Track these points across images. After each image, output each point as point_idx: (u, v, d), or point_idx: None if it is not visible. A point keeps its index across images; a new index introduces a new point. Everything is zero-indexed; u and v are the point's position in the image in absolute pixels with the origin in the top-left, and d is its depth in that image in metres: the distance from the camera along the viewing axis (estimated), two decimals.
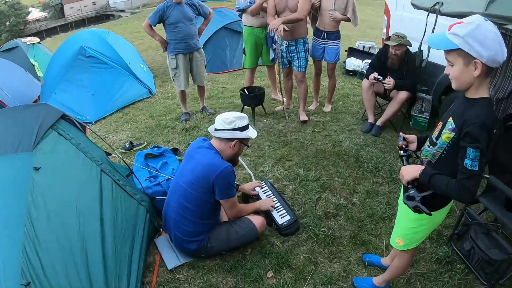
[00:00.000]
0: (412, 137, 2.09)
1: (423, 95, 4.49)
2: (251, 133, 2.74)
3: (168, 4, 4.56)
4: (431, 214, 1.82)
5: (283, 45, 4.55)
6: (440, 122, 1.80)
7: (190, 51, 4.81)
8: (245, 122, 2.69)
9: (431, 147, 1.83)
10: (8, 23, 33.78)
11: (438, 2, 2.86)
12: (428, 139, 1.90)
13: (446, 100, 4.23)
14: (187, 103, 5.42)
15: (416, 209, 1.85)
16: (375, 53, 7.13)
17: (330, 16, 4.53)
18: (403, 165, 1.96)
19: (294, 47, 4.52)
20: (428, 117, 4.52)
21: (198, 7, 4.77)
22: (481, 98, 1.61)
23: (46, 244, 2.10)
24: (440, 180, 1.69)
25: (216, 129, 2.67)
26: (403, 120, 4.71)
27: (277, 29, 4.11)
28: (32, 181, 2.29)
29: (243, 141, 2.74)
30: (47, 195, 2.31)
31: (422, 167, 1.80)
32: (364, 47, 7.44)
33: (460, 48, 1.53)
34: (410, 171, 1.83)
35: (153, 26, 4.67)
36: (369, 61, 6.48)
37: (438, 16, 2.89)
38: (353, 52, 7.23)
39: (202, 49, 5.03)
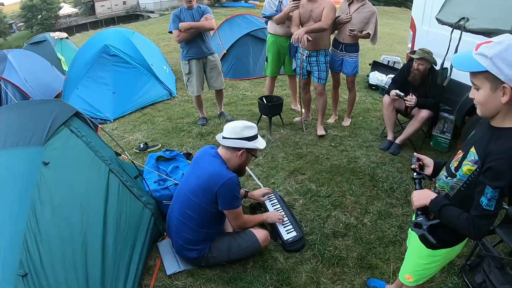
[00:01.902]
0: (428, 160, 1.93)
1: (446, 114, 4.34)
2: (259, 143, 2.68)
3: (181, 9, 4.65)
4: (438, 245, 1.70)
5: (303, 55, 4.49)
6: (460, 151, 1.65)
7: (203, 56, 4.81)
8: (253, 132, 2.64)
9: (449, 178, 1.68)
10: (39, 16, 34.71)
11: (463, 18, 2.75)
12: (445, 168, 1.75)
13: (469, 122, 4.08)
14: (205, 108, 5.40)
15: (422, 237, 1.74)
16: (399, 68, 7.05)
17: (351, 34, 4.44)
18: (415, 189, 1.83)
19: (315, 58, 4.46)
20: (449, 138, 4.36)
21: (204, 12, 4.70)
22: (509, 128, 1.44)
23: (48, 238, 2.12)
24: (451, 212, 1.57)
25: (223, 137, 2.63)
26: (424, 139, 4.57)
27: (301, 40, 4.06)
28: (40, 175, 2.32)
29: (251, 152, 2.69)
30: (54, 190, 2.33)
31: (434, 195, 1.68)
32: (389, 61, 7.29)
33: (487, 71, 1.37)
34: (421, 197, 1.71)
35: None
36: (393, 76, 6.38)
37: (463, 32, 2.78)
38: (377, 66, 7.09)
39: (216, 53, 5.01)
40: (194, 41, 4.66)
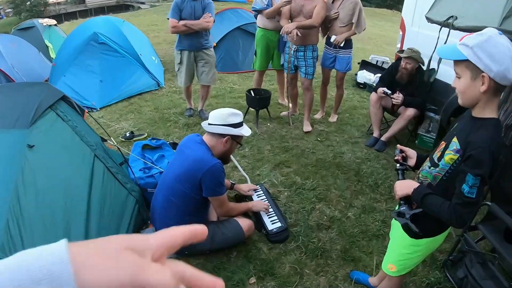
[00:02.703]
0: (411, 152, 1.98)
1: (432, 114, 4.40)
2: (245, 130, 2.68)
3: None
4: (420, 234, 1.73)
5: (291, 50, 4.49)
6: (443, 142, 1.69)
7: (195, 49, 4.67)
8: (238, 119, 2.64)
9: (432, 168, 1.72)
10: (28, 3, 34.02)
11: (452, 16, 2.79)
12: (428, 159, 1.79)
13: (455, 122, 4.13)
14: (193, 99, 5.36)
15: (405, 227, 1.77)
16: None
17: (337, 43, 4.50)
18: (398, 179, 1.87)
19: (302, 53, 4.47)
20: (435, 137, 4.41)
21: (206, 8, 4.55)
22: (488, 118, 1.50)
23: (30, 222, 2.08)
24: (434, 200, 1.60)
25: (209, 124, 2.62)
26: (409, 137, 4.62)
27: (290, 32, 4.06)
28: (24, 158, 2.27)
29: (236, 139, 2.68)
30: (38, 173, 2.29)
31: (417, 184, 1.71)
32: (377, 61, 7.36)
33: (468, 60, 1.43)
34: (404, 187, 1.75)
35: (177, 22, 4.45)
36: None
37: (452, 32, 2.82)
38: (365, 65, 7.15)
39: (212, 49, 4.87)
40: (189, 34, 4.54)
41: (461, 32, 2.67)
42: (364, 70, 6.86)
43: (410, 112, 4.21)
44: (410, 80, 4.22)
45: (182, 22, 4.39)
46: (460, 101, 1.57)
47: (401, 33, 5.03)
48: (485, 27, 2.37)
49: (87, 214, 2.38)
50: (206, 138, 2.64)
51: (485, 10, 2.58)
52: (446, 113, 4.25)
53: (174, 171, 2.58)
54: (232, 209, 2.77)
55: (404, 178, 1.87)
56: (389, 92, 4.21)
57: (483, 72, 1.41)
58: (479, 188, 1.46)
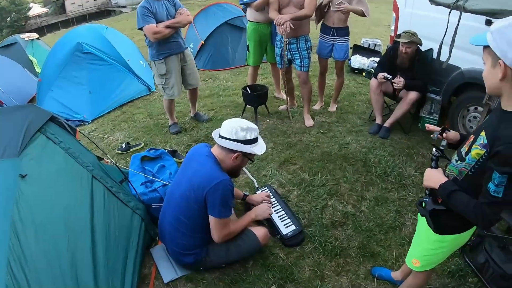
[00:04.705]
0: (453, 135, 1.88)
1: (433, 95, 4.29)
2: (258, 149, 2.46)
3: (148, 1, 3.98)
4: (436, 231, 1.73)
5: (282, 43, 4.30)
6: (472, 136, 1.60)
7: (181, 51, 4.29)
8: (253, 135, 2.42)
9: (458, 162, 1.63)
10: (9, 19, 33.59)
11: None
12: (456, 152, 1.70)
13: (456, 102, 4.04)
14: (183, 108, 5.11)
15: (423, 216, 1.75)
16: (381, 51, 7.00)
17: (340, 8, 4.24)
18: (430, 166, 1.79)
19: (295, 45, 4.30)
20: (437, 118, 4.31)
21: (176, 4, 4.24)
22: None
23: (33, 260, 1.96)
24: (460, 198, 1.52)
25: (220, 136, 2.42)
26: (412, 121, 4.51)
27: (283, 24, 3.91)
28: (17, 190, 2.12)
29: (247, 155, 2.48)
30: (34, 205, 2.14)
31: (444, 179, 1.62)
32: (369, 44, 7.24)
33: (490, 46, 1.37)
34: (431, 179, 1.68)
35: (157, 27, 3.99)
36: (375, 59, 6.31)
37: (463, 13, 2.63)
38: (358, 49, 7.03)
39: (189, 47, 4.59)
40: (170, 35, 4.11)
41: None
42: (358, 55, 6.73)
43: (412, 95, 4.09)
44: (411, 64, 4.09)
45: (162, 24, 3.98)
46: (487, 90, 1.50)
47: (394, 15, 4.89)
48: (504, 10, 2.22)
49: (92, 241, 2.24)
50: (215, 150, 2.45)
51: None
52: (446, 93, 4.16)
53: (181, 187, 2.42)
54: (233, 232, 2.52)
55: (437, 166, 1.79)
56: (390, 77, 4.08)
57: (500, 58, 1.34)
58: (506, 187, 1.37)
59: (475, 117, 3.87)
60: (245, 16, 4.97)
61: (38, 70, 8.02)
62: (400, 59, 4.11)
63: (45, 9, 40.33)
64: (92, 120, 5.36)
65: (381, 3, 13.45)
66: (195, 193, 2.31)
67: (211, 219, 2.36)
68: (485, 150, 1.45)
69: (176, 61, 4.28)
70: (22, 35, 9.38)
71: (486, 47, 1.40)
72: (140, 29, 4.04)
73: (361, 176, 3.60)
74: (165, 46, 4.15)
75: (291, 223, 2.89)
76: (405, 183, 3.47)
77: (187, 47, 4.46)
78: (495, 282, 2.36)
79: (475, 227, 1.79)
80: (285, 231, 2.83)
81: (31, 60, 8.41)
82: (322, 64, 4.81)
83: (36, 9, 38.78)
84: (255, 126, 2.45)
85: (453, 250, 1.94)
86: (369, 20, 12.51)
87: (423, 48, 4.13)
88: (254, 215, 2.72)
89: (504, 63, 1.33)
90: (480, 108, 3.73)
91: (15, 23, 33.53)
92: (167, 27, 4.01)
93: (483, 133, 1.48)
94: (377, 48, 7.11)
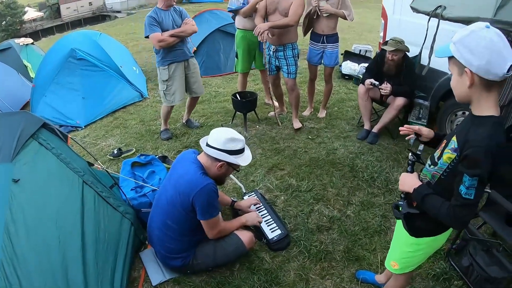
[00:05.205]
0: (425, 131, 1.93)
1: (421, 101, 4.37)
2: (242, 160, 2.52)
3: (156, 11, 4.18)
4: (411, 234, 1.78)
5: (270, 50, 4.40)
6: (445, 140, 1.66)
7: (185, 59, 4.39)
8: (238, 145, 2.47)
9: (431, 166, 1.70)
10: (4, 22, 33.57)
11: (440, 6, 2.69)
12: (429, 157, 1.76)
13: (444, 107, 4.12)
14: (178, 113, 5.17)
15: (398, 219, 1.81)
16: (372, 57, 7.07)
17: (322, 9, 4.30)
18: (406, 170, 1.85)
19: (282, 52, 4.35)
20: (425, 124, 4.39)
21: (182, 14, 4.37)
22: (487, 116, 1.46)
23: (25, 261, 2.03)
24: (433, 201, 1.58)
25: (207, 144, 2.48)
26: (400, 126, 4.56)
27: (262, 33, 3.98)
28: (10, 193, 2.20)
29: (232, 165, 2.53)
30: (26, 208, 2.21)
31: (418, 183, 1.68)
32: (360, 50, 7.32)
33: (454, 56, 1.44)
34: (406, 183, 1.74)
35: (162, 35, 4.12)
36: (365, 65, 6.38)
37: (441, 21, 2.74)
38: (349, 55, 7.09)
39: (194, 57, 4.68)
40: (175, 44, 4.23)
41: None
42: (348, 61, 6.80)
43: (400, 101, 4.18)
44: (398, 70, 4.18)
45: (168, 33, 4.11)
46: (456, 98, 1.56)
47: (382, 21, 4.98)
48: (478, 18, 2.31)
49: (83, 244, 2.31)
50: (202, 157, 2.51)
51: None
52: (434, 98, 4.24)
53: (166, 192, 2.49)
54: (224, 229, 2.63)
55: (412, 171, 1.84)
56: (377, 83, 4.16)
57: (466, 67, 1.41)
58: (477, 189, 1.42)
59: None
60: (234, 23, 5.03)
61: (32, 75, 8.02)
62: (387, 66, 4.20)
63: (40, 13, 40.34)
64: (85, 126, 5.40)
65: (375, 10, 13.60)
66: (180, 198, 2.38)
67: (202, 221, 2.46)
68: (456, 154, 1.51)
69: (179, 69, 4.38)
70: (17, 40, 9.41)
71: (451, 57, 1.47)
72: (147, 37, 4.17)
73: (348, 181, 3.67)
74: (170, 54, 4.27)
75: (277, 227, 2.94)
76: (392, 188, 3.54)
77: (192, 56, 4.54)
78: (479, 285, 2.41)
79: (451, 230, 1.85)
80: (271, 235, 2.88)
81: (25, 65, 8.42)
82: (312, 71, 4.89)
83: (31, 13, 38.78)
84: (241, 137, 2.51)
85: (430, 252, 1.98)
86: (362, 26, 12.69)
87: (410, 54, 4.20)
88: (245, 220, 2.85)
89: (470, 70, 1.40)
90: (467, 113, 3.80)
91: (10, 27, 33.52)
92: (172, 35, 4.13)
93: (454, 138, 1.54)
94: (368, 54, 7.18)
